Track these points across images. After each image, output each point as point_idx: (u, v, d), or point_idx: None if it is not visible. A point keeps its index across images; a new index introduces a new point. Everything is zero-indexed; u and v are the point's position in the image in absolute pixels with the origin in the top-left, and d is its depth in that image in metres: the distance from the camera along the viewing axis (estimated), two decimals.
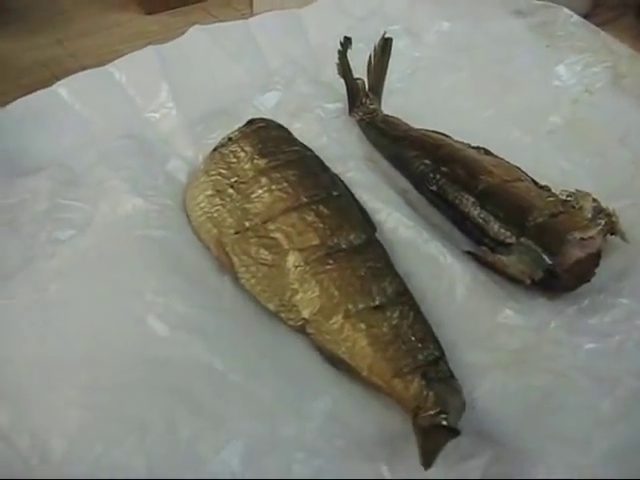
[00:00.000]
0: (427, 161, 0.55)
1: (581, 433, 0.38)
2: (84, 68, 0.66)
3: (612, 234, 0.50)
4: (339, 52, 0.61)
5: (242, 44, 0.67)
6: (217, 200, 0.50)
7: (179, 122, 0.59)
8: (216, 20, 0.79)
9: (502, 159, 0.56)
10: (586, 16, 0.80)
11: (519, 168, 0.55)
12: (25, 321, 0.42)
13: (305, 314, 0.43)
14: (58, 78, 0.64)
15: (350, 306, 0.43)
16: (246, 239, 0.47)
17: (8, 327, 0.42)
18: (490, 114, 0.64)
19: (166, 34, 0.75)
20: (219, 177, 0.51)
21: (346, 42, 0.61)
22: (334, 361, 0.42)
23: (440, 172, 0.54)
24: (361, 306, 0.43)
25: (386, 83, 0.63)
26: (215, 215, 0.49)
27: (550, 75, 0.67)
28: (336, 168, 0.54)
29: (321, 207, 0.48)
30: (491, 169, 0.54)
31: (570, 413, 0.40)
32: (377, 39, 0.62)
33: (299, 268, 0.45)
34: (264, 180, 0.50)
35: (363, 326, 0.42)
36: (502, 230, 0.49)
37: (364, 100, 0.62)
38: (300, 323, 0.43)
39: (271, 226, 0.47)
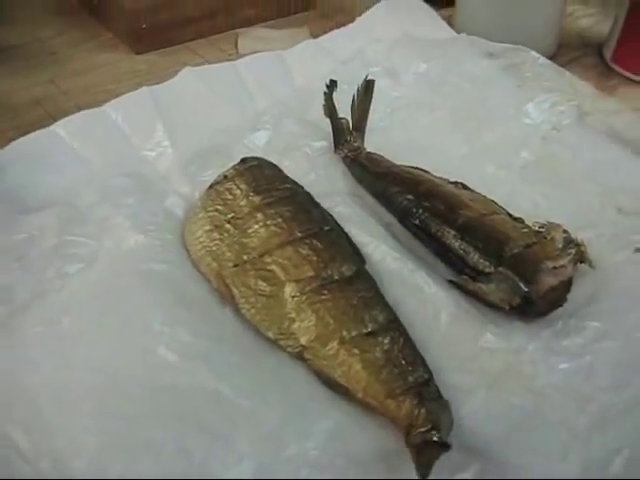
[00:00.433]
0: (409, 196, 0.57)
1: (559, 446, 0.41)
2: (78, 106, 0.69)
3: (581, 262, 0.52)
4: (325, 94, 0.64)
5: (231, 85, 0.69)
6: (215, 235, 0.52)
7: (175, 160, 0.61)
8: (203, 60, 0.81)
9: (479, 193, 0.58)
10: (553, 56, 0.83)
11: (495, 202, 0.57)
12: (40, 352, 0.44)
13: (303, 341, 0.45)
14: (53, 116, 0.66)
15: (344, 333, 0.45)
16: (245, 272, 0.49)
17: (25, 358, 0.44)
18: (466, 151, 0.66)
19: (155, 73, 0.77)
20: (216, 213, 0.54)
21: (332, 85, 0.64)
22: (331, 384, 0.44)
23: (422, 207, 0.56)
24: (354, 333, 0.45)
25: (368, 122, 0.65)
26: (214, 249, 0.51)
27: (520, 113, 0.69)
28: (325, 203, 0.56)
29: (314, 241, 0.50)
30: (469, 203, 0.56)
31: (549, 428, 0.42)
32: (359, 81, 0.65)
33: (296, 298, 0.47)
34: (260, 216, 0.52)
35: (357, 351, 0.44)
36: (481, 260, 0.51)
37: (348, 138, 0.64)
38: (298, 350, 0.45)
39: (268, 259, 0.49)
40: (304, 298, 0.47)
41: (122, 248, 0.52)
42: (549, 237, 0.53)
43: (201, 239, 0.53)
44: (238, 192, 0.55)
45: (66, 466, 0.38)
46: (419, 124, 0.69)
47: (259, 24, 0.89)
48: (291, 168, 0.60)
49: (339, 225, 0.54)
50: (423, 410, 0.41)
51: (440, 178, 0.60)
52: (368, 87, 0.65)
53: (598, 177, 0.62)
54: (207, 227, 0.53)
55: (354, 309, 0.47)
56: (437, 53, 0.77)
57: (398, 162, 0.62)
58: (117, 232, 0.53)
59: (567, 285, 0.50)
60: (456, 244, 0.53)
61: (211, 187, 0.56)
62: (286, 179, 0.57)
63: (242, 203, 0.54)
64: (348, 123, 0.65)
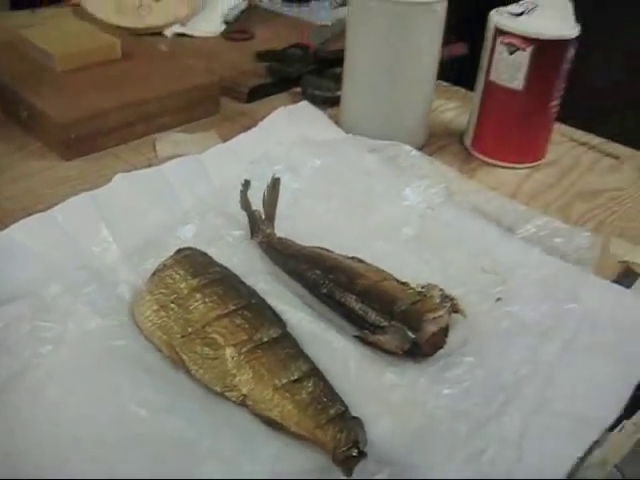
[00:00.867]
0: (317, 271, 0.66)
1: (448, 449, 0.53)
2: (23, 209, 0.76)
3: (455, 312, 0.62)
4: (241, 191, 0.76)
5: (160, 187, 0.78)
6: (163, 313, 0.61)
7: (119, 254, 0.70)
8: (127, 164, 0.89)
9: (371, 265, 0.67)
10: (423, 147, 0.97)
11: (384, 270, 0.66)
12: (29, 417, 0.53)
13: (244, 391, 0.55)
14: (0, 219, 0.74)
15: (277, 381, 0.55)
16: (191, 341, 0.59)
17: (18, 423, 0.52)
18: (358, 231, 0.76)
19: (85, 178, 0.86)
20: (161, 295, 0.63)
21: (246, 184, 0.76)
22: (270, 423, 0.54)
23: (328, 279, 0.65)
24: (285, 381, 0.55)
25: (277, 211, 0.76)
26: (163, 325, 0.60)
27: (400, 197, 0.81)
28: (249, 281, 0.66)
29: (245, 312, 0.60)
30: (365, 273, 0.65)
31: (439, 437, 0.54)
32: (266, 177, 0.76)
33: (235, 358, 0.57)
34: (198, 295, 0.62)
35: (288, 395, 0.54)
36: (377, 317, 0.61)
37: (262, 227, 0.74)
38: (241, 398, 0.55)
39: (209, 329, 0.59)
40: (242, 357, 0.57)
41: (85, 330, 0.60)
42: (429, 295, 0.62)
43: (150, 317, 0.62)
44: (177, 277, 0.64)
45: None
46: (318, 211, 0.79)
47: (173, 129, 1.00)
48: (217, 254, 0.69)
49: (262, 298, 0.65)
50: (344, 434, 0.52)
51: (340, 255, 0.69)
52: (275, 184, 0.77)
53: (466, 245, 0.73)
54: (155, 307, 0.62)
55: (282, 362, 0.57)
56: (329, 150, 0.89)
57: (305, 244, 0.70)
58: (79, 317, 0.61)
59: (445, 331, 0.59)
60: (357, 306, 0.62)
61: (154, 274, 0.66)
62: (215, 264, 0.67)
63: (182, 286, 0.64)
64: (261, 214, 0.76)
